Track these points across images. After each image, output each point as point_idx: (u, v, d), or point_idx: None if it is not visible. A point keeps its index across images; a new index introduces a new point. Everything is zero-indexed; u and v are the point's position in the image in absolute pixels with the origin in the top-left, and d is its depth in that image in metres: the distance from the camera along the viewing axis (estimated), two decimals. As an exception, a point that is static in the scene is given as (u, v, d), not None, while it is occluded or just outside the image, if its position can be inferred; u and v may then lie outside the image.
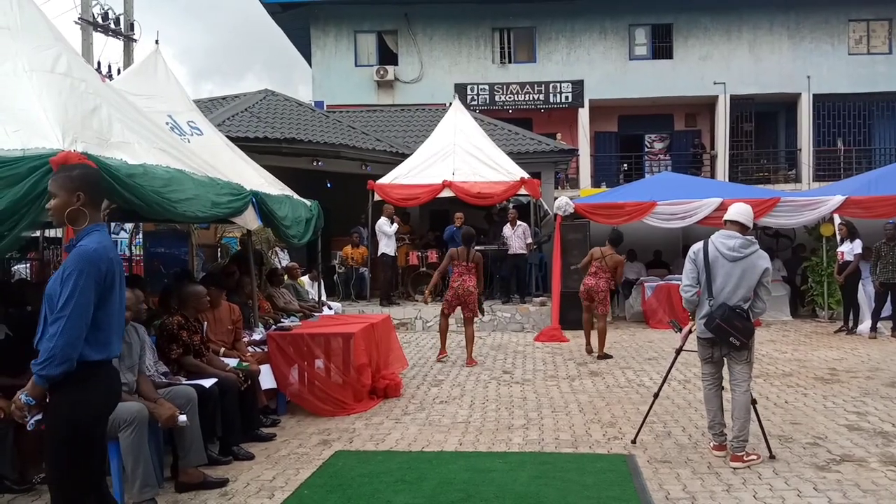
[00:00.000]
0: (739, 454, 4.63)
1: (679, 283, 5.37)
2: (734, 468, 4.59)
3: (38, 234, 8.06)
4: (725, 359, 4.82)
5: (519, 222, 12.14)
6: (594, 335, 8.97)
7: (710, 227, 8.40)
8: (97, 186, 3.02)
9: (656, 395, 5.47)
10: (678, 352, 5.25)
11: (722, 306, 4.62)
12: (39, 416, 2.87)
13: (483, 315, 9.38)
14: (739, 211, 4.81)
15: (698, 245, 4.84)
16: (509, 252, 12.13)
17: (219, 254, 10.59)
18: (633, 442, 5.22)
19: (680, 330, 5.22)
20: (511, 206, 12.83)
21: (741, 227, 4.76)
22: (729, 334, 4.58)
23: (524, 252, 12.16)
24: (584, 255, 9.70)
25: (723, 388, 4.91)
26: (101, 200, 3.08)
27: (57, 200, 2.89)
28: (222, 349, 5.65)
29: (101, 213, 3.03)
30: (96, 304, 2.81)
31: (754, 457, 4.65)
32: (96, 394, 2.88)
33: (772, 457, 4.78)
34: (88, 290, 2.76)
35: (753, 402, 4.80)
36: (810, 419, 5.76)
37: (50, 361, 2.70)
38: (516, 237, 12.03)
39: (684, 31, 22.46)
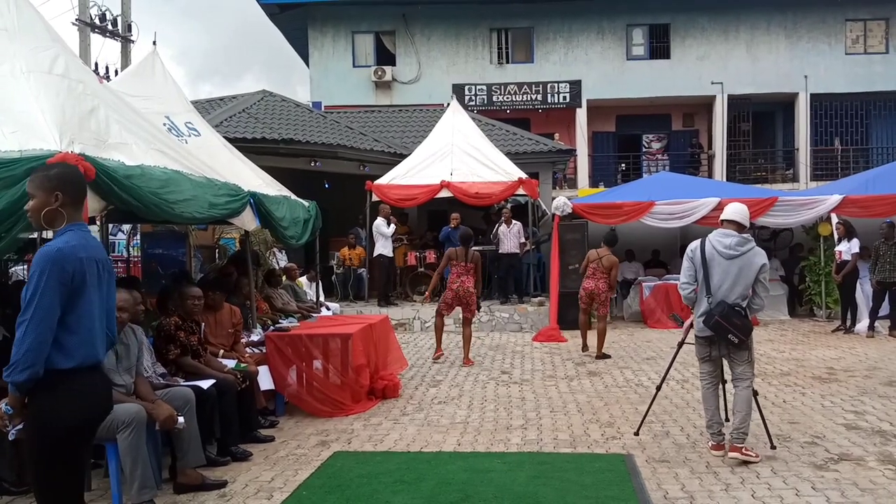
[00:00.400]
0: (739, 446, 4.64)
1: (677, 282, 5.40)
2: (732, 458, 4.61)
3: (35, 236, 8.04)
4: (726, 359, 4.84)
5: (514, 221, 12.14)
6: (590, 333, 8.98)
7: (708, 227, 8.42)
8: (77, 185, 2.85)
9: (658, 388, 5.53)
10: (680, 345, 5.28)
11: (721, 303, 4.64)
12: (21, 426, 2.76)
13: (479, 310, 9.30)
14: (736, 210, 4.86)
15: (695, 243, 4.88)
16: (500, 251, 12.10)
17: (217, 255, 10.58)
18: (636, 434, 5.28)
19: (682, 323, 5.25)
20: (508, 205, 12.83)
21: (738, 226, 4.80)
22: (727, 331, 4.60)
23: (517, 251, 12.15)
24: (582, 255, 9.74)
25: (724, 381, 4.92)
26: (82, 200, 2.91)
27: (34, 201, 2.73)
28: (221, 350, 5.64)
29: (82, 213, 2.88)
30: (65, 308, 2.64)
31: (753, 454, 4.65)
32: (68, 403, 2.67)
33: (773, 447, 4.81)
34: (51, 291, 2.60)
35: (755, 393, 4.82)
36: (808, 418, 5.77)
37: (14, 367, 2.56)
38: (512, 235, 12.02)
39: (682, 31, 22.47)
